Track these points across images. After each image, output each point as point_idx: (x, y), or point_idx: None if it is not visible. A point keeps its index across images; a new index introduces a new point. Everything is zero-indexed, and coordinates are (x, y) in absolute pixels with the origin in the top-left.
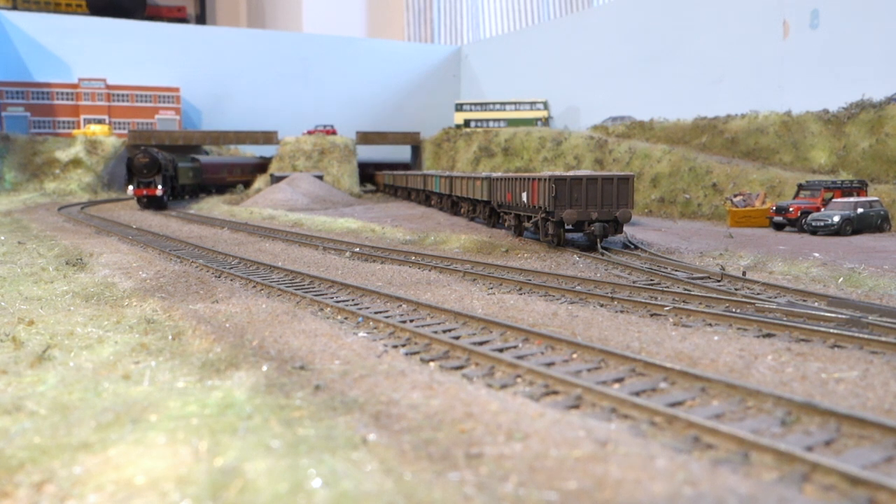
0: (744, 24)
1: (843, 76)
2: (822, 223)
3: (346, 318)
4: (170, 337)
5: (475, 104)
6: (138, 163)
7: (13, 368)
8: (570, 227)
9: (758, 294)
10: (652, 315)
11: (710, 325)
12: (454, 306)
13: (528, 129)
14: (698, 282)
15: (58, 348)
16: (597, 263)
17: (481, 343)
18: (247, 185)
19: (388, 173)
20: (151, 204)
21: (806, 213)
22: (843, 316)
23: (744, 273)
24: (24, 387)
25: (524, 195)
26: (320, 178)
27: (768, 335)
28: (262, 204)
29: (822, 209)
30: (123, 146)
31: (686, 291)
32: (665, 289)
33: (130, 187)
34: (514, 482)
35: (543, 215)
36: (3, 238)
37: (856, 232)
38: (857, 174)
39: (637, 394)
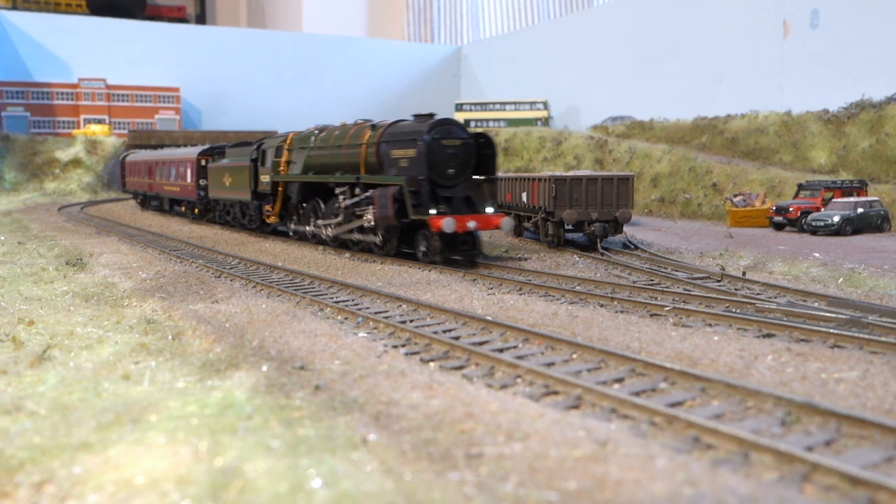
0: (744, 24)
1: (843, 76)
2: (822, 223)
3: (346, 319)
4: (170, 337)
5: (475, 104)
6: (442, 153)
7: (13, 368)
8: (570, 227)
9: (758, 294)
10: (652, 315)
11: (710, 325)
12: (454, 306)
13: (528, 129)
14: (698, 282)
15: (58, 348)
16: (597, 263)
17: (481, 343)
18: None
19: None
20: (449, 249)
21: (806, 213)
22: (843, 316)
23: (744, 273)
24: (24, 387)
25: (524, 195)
26: None
27: (768, 335)
28: None
29: (822, 209)
30: (123, 146)
31: (686, 291)
32: (665, 289)
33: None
34: (514, 482)
35: (543, 215)
36: (3, 238)
37: (856, 232)
38: (857, 174)
39: (637, 394)
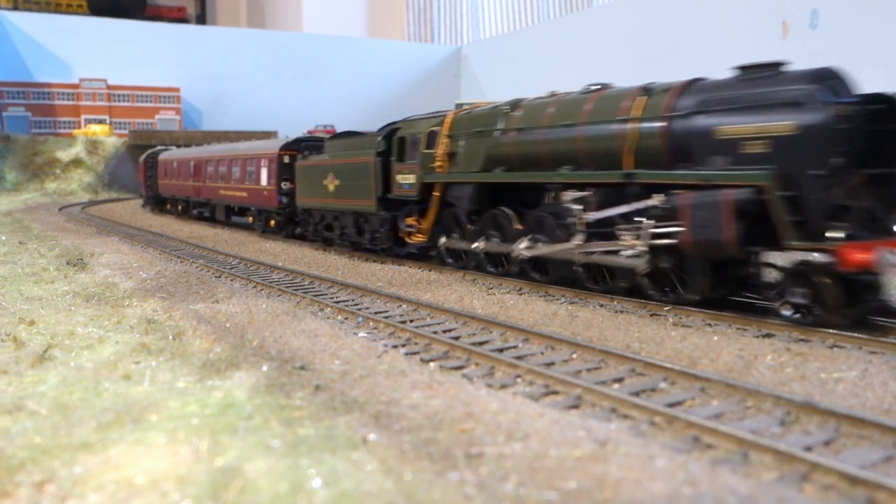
0: (744, 24)
1: None
2: None
3: (346, 319)
4: (170, 337)
5: (475, 104)
6: (833, 130)
7: (14, 368)
8: None
9: None
10: (652, 315)
11: (710, 325)
12: (454, 306)
13: None
14: None
15: (58, 348)
16: None
17: (481, 343)
18: None
19: None
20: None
21: None
22: None
23: None
24: (24, 387)
25: None
26: None
27: (768, 335)
28: None
29: None
30: (124, 146)
31: None
32: None
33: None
34: (514, 482)
35: None
36: (4, 238)
37: None
38: None
39: (637, 394)
